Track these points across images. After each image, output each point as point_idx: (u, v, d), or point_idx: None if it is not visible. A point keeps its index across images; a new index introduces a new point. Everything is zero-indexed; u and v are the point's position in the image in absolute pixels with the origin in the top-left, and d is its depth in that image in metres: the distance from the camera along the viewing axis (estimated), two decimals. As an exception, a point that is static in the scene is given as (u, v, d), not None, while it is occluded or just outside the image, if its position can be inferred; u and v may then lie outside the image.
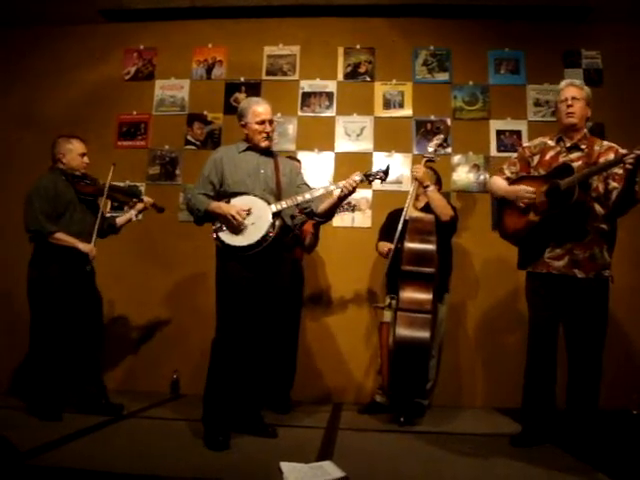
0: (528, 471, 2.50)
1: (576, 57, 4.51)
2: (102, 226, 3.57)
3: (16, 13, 4.66)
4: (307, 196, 2.97)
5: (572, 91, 2.98)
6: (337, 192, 2.93)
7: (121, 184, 3.72)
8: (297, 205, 3.03)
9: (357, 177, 2.89)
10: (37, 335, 3.37)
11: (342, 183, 2.89)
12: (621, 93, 4.35)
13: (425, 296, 3.24)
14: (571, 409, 2.91)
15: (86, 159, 3.55)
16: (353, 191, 2.89)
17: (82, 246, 3.38)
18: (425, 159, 3.61)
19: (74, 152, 3.50)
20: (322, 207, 3.02)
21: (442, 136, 3.70)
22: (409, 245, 3.29)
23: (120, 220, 3.67)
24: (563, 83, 3.08)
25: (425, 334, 3.15)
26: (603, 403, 2.94)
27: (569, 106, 2.96)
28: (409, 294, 3.24)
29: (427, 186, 3.60)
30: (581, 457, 2.66)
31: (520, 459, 2.66)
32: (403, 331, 3.15)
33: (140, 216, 3.74)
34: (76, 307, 3.41)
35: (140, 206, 3.65)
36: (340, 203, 3.01)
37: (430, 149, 3.62)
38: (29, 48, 4.83)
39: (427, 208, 3.64)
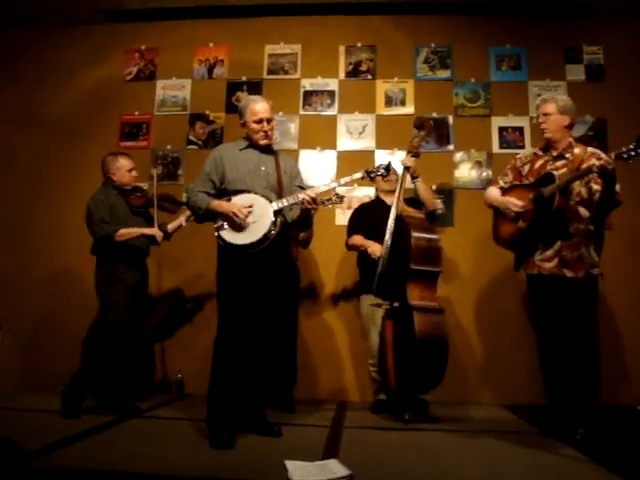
0: (536, 468, 2.49)
1: (577, 52, 4.52)
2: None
3: (17, 13, 4.67)
4: (309, 193, 2.96)
5: (542, 108, 3.14)
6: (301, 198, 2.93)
7: (168, 193, 3.85)
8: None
9: (311, 193, 2.90)
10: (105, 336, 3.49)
11: (323, 188, 3.00)
12: (623, 88, 4.35)
13: (434, 293, 3.35)
14: (571, 404, 2.94)
15: (134, 173, 3.66)
16: (314, 203, 2.91)
17: (147, 230, 3.53)
18: (410, 153, 3.61)
19: (123, 169, 3.59)
20: (295, 217, 3.04)
21: (423, 133, 3.65)
22: (417, 243, 3.30)
23: (171, 226, 3.77)
24: (537, 100, 3.30)
25: (442, 329, 3.24)
26: (607, 399, 2.94)
27: (541, 123, 3.12)
28: (419, 292, 3.29)
29: (417, 177, 3.63)
30: (587, 453, 2.64)
31: (528, 456, 2.65)
32: (423, 329, 3.17)
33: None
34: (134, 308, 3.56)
35: (189, 213, 3.69)
36: (308, 213, 3.03)
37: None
38: (31, 48, 4.84)
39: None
